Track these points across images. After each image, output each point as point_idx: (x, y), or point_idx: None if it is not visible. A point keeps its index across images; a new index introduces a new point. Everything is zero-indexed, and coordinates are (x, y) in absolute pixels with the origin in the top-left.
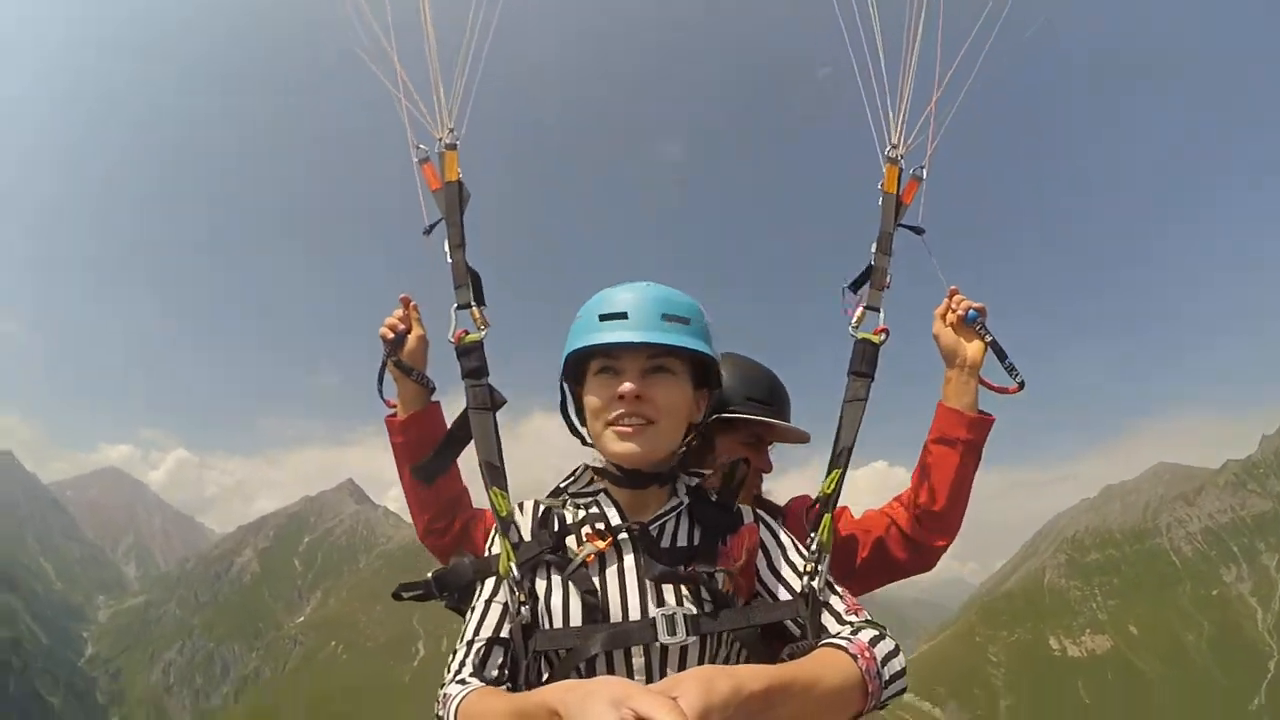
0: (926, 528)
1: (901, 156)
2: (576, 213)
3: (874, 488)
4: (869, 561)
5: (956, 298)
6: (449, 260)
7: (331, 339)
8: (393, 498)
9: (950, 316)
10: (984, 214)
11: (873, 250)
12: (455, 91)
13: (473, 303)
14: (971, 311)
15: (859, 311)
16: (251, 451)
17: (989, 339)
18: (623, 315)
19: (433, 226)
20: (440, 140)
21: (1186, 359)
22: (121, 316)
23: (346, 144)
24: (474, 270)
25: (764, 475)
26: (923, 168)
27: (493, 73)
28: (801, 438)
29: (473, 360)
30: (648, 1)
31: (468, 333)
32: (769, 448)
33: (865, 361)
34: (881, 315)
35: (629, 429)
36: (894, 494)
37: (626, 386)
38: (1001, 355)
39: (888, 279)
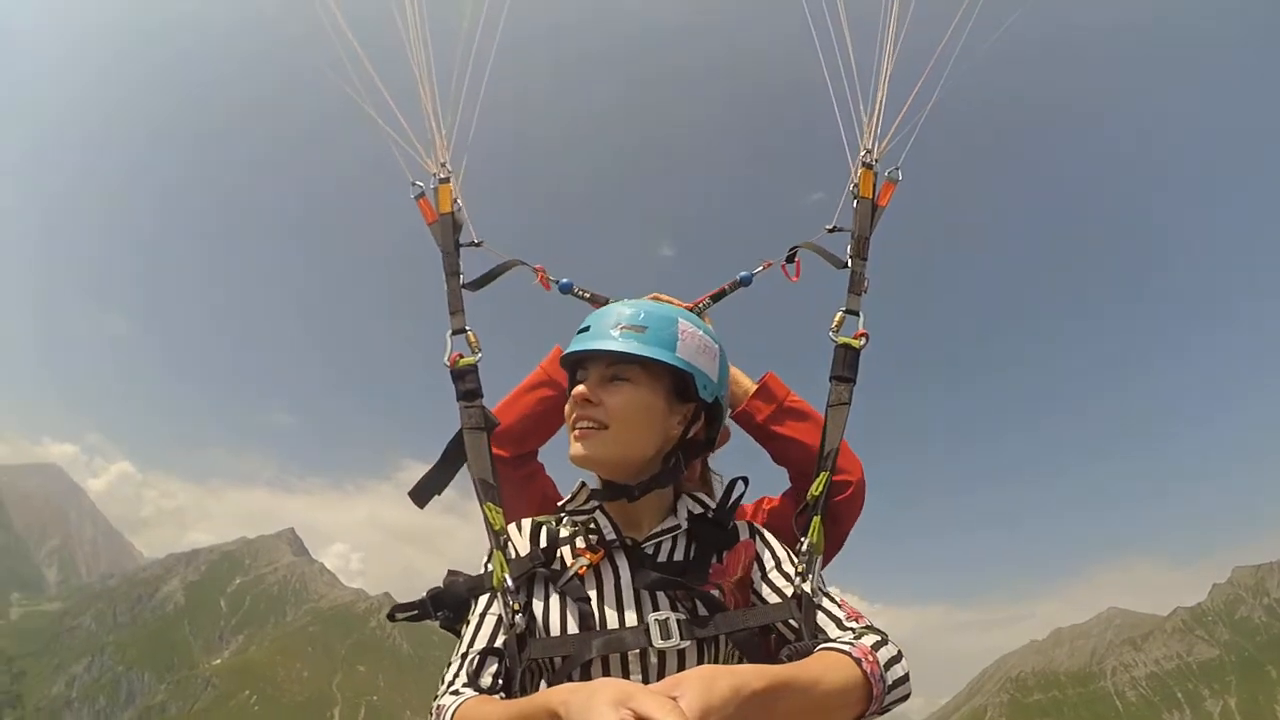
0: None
1: (876, 160)
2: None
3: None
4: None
5: None
6: (446, 288)
7: (293, 378)
8: (332, 554)
9: None
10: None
11: (849, 255)
12: (449, 127)
13: (467, 328)
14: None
15: (838, 316)
16: (195, 479)
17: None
18: (587, 329)
19: (475, 274)
20: (435, 175)
21: (1147, 505)
22: (92, 321)
23: (345, 173)
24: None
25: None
26: (897, 169)
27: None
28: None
29: (468, 383)
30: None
31: (462, 356)
32: None
33: (847, 366)
34: (861, 319)
35: (580, 432)
36: (952, 632)
37: (578, 389)
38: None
39: (865, 283)
